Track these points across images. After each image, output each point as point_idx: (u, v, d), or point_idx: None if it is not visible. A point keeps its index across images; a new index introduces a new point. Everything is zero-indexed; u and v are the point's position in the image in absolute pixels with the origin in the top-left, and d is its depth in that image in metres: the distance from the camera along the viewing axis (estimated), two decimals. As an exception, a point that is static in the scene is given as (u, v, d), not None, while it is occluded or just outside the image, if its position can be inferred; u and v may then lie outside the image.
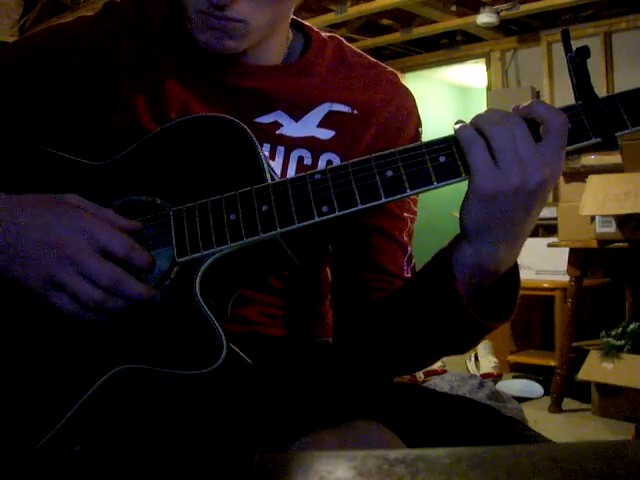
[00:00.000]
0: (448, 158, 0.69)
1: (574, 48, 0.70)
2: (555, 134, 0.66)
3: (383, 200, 0.69)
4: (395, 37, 5.01)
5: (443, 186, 0.69)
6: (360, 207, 0.69)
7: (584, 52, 0.69)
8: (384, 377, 0.89)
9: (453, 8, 4.55)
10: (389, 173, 0.69)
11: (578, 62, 0.69)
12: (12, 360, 0.74)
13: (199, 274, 0.72)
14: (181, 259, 0.72)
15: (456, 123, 0.70)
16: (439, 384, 2.78)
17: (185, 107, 0.85)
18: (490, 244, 0.70)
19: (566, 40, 0.71)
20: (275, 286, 0.90)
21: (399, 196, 0.70)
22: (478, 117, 0.68)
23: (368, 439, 0.68)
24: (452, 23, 4.67)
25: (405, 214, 0.90)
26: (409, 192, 0.69)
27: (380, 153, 0.71)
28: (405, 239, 0.91)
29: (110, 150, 0.81)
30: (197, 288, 0.71)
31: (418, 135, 0.93)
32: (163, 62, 0.87)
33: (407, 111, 0.93)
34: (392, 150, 0.71)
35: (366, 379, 0.88)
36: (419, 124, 0.94)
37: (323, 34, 0.95)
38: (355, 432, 0.69)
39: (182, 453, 0.64)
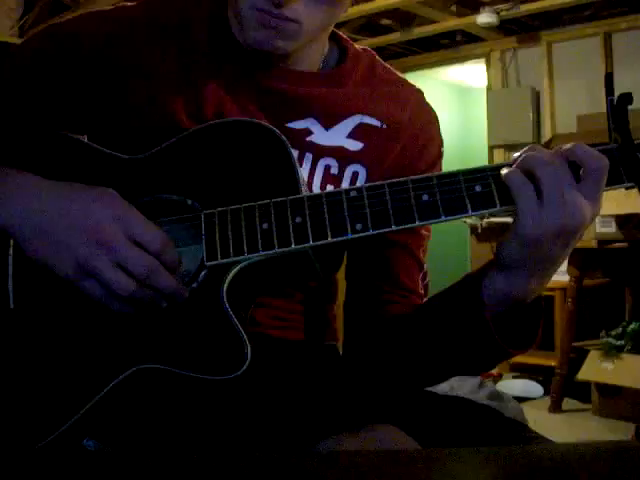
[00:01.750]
0: (485, 188, 0.70)
1: (616, 92, 0.71)
2: (596, 177, 0.68)
3: (417, 223, 0.70)
4: (395, 37, 5.01)
5: (477, 215, 0.70)
6: (394, 228, 0.70)
7: (627, 99, 0.70)
8: (393, 389, 0.89)
9: (453, 8, 4.55)
10: (425, 197, 0.70)
11: (619, 107, 0.70)
12: (31, 348, 0.74)
13: (227, 280, 0.72)
14: (210, 263, 0.72)
15: (502, 168, 0.70)
16: (439, 384, 2.78)
17: (220, 106, 0.85)
18: (523, 277, 0.71)
19: (609, 84, 0.72)
20: (287, 290, 0.90)
21: (433, 221, 0.70)
22: (526, 159, 0.68)
23: (385, 442, 0.69)
24: (452, 23, 4.66)
25: (423, 231, 0.92)
26: (443, 218, 0.70)
27: (417, 176, 0.71)
28: (422, 256, 0.92)
29: (141, 145, 0.80)
30: (224, 294, 0.71)
31: (440, 155, 0.95)
32: (201, 61, 0.87)
33: (432, 130, 0.95)
34: (430, 175, 0.71)
35: (374, 389, 0.88)
36: (441, 143, 0.96)
37: (358, 47, 0.95)
38: (373, 435, 0.70)
39: (190, 456, 0.65)
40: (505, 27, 4.74)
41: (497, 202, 0.69)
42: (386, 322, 0.88)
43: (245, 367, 0.68)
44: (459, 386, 2.76)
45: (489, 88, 5.06)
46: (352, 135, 0.89)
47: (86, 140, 0.83)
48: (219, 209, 0.74)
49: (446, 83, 6.53)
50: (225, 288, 0.71)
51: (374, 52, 0.97)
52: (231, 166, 0.77)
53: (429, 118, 0.95)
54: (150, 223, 0.72)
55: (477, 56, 5.23)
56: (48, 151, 0.83)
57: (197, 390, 0.73)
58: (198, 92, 0.85)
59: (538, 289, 0.74)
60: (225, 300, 0.71)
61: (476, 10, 4.40)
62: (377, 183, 0.72)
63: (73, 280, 0.71)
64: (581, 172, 0.68)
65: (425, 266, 0.92)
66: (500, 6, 4.28)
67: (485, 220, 4.31)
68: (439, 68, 5.70)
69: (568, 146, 0.69)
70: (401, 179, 0.72)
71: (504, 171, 0.68)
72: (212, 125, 0.79)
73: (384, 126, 0.90)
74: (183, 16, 0.89)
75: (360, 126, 0.89)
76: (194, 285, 0.73)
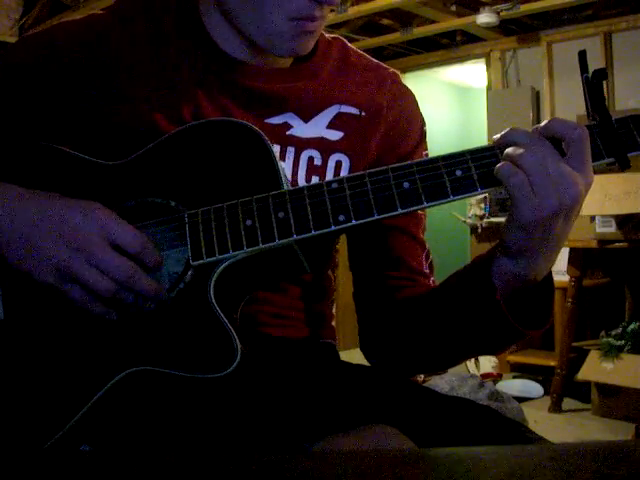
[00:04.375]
0: (465, 172, 0.70)
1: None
2: (577, 146, 0.68)
3: (399, 211, 0.70)
4: (395, 37, 5.00)
5: (459, 199, 0.70)
6: (376, 217, 0.70)
7: (601, 74, 0.70)
8: (410, 373, 0.92)
9: (453, 8, 4.54)
10: (406, 185, 0.70)
11: (595, 83, 0.70)
12: (25, 357, 0.74)
13: (214, 278, 0.72)
14: (196, 262, 0.72)
15: (481, 151, 0.71)
16: (439, 384, 2.78)
17: (198, 108, 0.85)
18: (531, 259, 0.72)
19: (583, 61, 0.72)
20: (280, 286, 0.90)
21: (415, 207, 0.70)
22: (507, 151, 0.68)
23: (382, 442, 0.69)
24: (452, 23, 4.66)
25: (420, 211, 0.92)
26: (425, 204, 0.70)
27: (397, 164, 0.72)
28: (422, 236, 0.93)
29: (121, 151, 0.80)
30: (212, 292, 0.71)
31: (423, 134, 0.95)
32: (176, 63, 0.87)
33: (411, 111, 0.95)
34: (410, 162, 0.72)
35: (390, 375, 0.89)
36: (423, 123, 0.96)
37: (327, 35, 0.95)
38: (370, 435, 0.70)
39: (191, 455, 0.65)
40: (505, 27, 4.74)
41: (478, 186, 0.70)
42: (395, 307, 0.89)
43: (236, 364, 0.68)
44: (459, 386, 2.76)
45: (489, 88, 5.05)
46: (332, 125, 0.89)
47: (67, 149, 0.83)
48: (202, 209, 0.74)
49: (446, 83, 6.53)
50: (212, 286, 0.71)
51: (344, 39, 0.97)
52: (212, 166, 0.77)
53: (408, 99, 0.95)
54: (128, 226, 0.72)
55: (477, 56, 5.23)
56: (30, 161, 0.83)
57: (192, 390, 0.73)
58: (175, 95, 0.85)
59: (547, 266, 0.74)
60: (212, 298, 0.71)
61: (476, 10, 4.40)
62: (358, 173, 0.73)
63: (55, 286, 0.71)
64: (563, 145, 0.68)
65: (427, 245, 0.93)
66: (500, 6, 4.28)
67: (485, 220, 4.31)
68: (439, 68, 5.70)
69: (544, 123, 0.70)
70: (381, 168, 0.72)
71: (497, 166, 0.68)
72: (191, 127, 0.79)
73: (363, 113, 0.90)
74: (153, 21, 0.89)
75: (339, 116, 0.90)
76: (181, 286, 0.73)
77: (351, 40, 4.67)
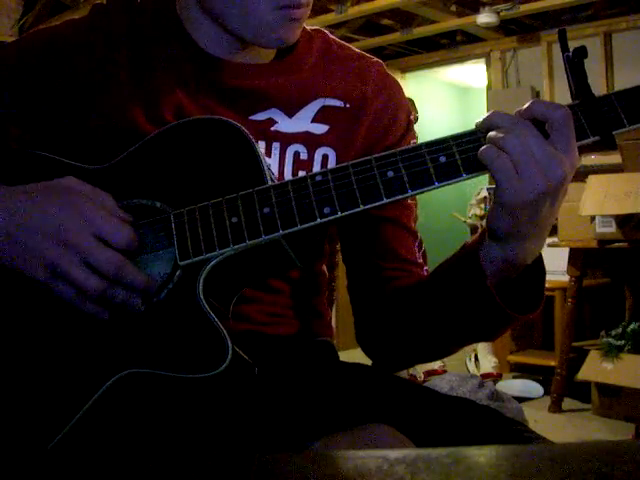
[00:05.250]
0: (449, 158, 0.69)
1: (571, 48, 0.70)
2: (561, 127, 0.67)
3: (385, 201, 0.70)
4: (395, 37, 5.01)
5: (444, 186, 0.70)
6: (362, 208, 0.70)
7: (581, 52, 0.70)
8: (407, 364, 0.91)
9: (453, 8, 4.55)
10: (390, 174, 0.70)
11: (576, 62, 0.70)
12: (18, 361, 0.74)
13: (202, 277, 0.72)
14: (183, 262, 0.72)
15: (464, 136, 0.70)
16: (439, 384, 2.78)
17: (179, 107, 0.85)
18: (519, 243, 0.71)
19: (563, 40, 0.72)
20: (274, 284, 0.90)
21: (400, 197, 0.70)
22: (490, 134, 0.68)
23: (380, 441, 0.69)
24: (452, 23, 4.67)
25: (410, 201, 0.92)
26: (410, 192, 0.69)
27: (381, 154, 0.71)
28: (413, 225, 0.93)
29: (105, 154, 0.80)
30: (200, 291, 0.71)
31: (410, 122, 0.94)
32: (156, 64, 0.87)
33: (397, 100, 0.94)
34: (393, 151, 0.71)
35: (388, 367, 0.89)
36: (410, 112, 0.95)
37: (308, 28, 0.95)
38: (367, 435, 0.70)
39: (187, 456, 0.65)
40: (505, 27, 4.75)
41: (462, 171, 0.69)
42: (389, 298, 0.89)
43: (227, 362, 0.68)
44: (459, 386, 2.76)
45: (489, 88, 5.06)
46: (316, 119, 0.89)
47: (50, 155, 0.83)
48: (187, 208, 0.74)
49: (446, 83, 6.53)
50: (201, 285, 0.71)
51: (325, 30, 0.97)
52: (196, 165, 0.77)
53: (394, 88, 0.95)
54: (113, 218, 0.72)
55: (477, 56, 5.23)
56: (12, 168, 0.83)
57: (187, 390, 0.73)
58: (155, 96, 0.85)
59: (536, 249, 0.74)
60: (202, 297, 0.71)
61: (476, 10, 4.40)
62: (341, 165, 0.72)
63: (45, 283, 0.71)
64: (546, 127, 0.68)
65: (419, 234, 0.93)
66: (500, 6, 4.28)
67: (485, 220, 4.31)
68: (439, 68, 5.71)
69: (526, 105, 0.69)
70: (365, 158, 0.71)
71: (481, 149, 0.68)
72: (172, 127, 0.79)
73: (347, 105, 0.90)
74: (131, 21, 0.89)
75: (323, 109, 0.89)
76: (170, 286, 0.73)
77: (351, 40, 4.66)
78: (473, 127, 0.71)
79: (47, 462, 0.67)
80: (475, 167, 0.69)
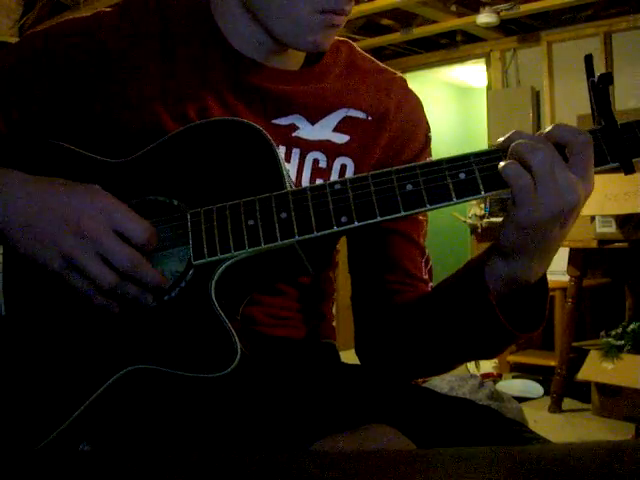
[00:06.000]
0: (469, 175, 0.69)
1: (596, 73, 0.71)
2: (581, 153, 0.67)
3: (402, 214, 0.70)
4: (395, 37, 5.00)
5: (462, 202, 0.70)
6: (379, 219, 0.70)
7: (607, 78, 0.70)
8: (407, 377, 0.91)
9: (453, 8, 4.54)
10: (409, 187, 0.70)
11: (601, 88, 0.70)
12: (25, 354, 0.74)
13: (215, 278, 0.72)
14: (197, 262, 0.72)
15: (486, 155, 0.70)
16: (439, 384, 2.78)
17: (204, 107, 0.85)
18: (525, 261, 0.71)
19: (589, 65, 0.71)
20: (280, 287, 0.90)
21: (418, 210, 0.70)
22: (516, 147, 0.67)
23: (382, 442, 0.69)
24: (452, 23, 4.66)
25: (421, 217, 0.92)
26: (428, 207, 0.70)
27: (401, 166, 0.71)
28: (422, 241, 0.93)
29: (127, 148, 0.80)
30: (213, 292, 0.71)
31: (428, 140, 0.95)
32: (185, 59, 0.87)
33: (417, 117, 0.95)
34: (413, 164, 0.71)
35: (388, 379, 0.89)
36: (428, 129, 0.96)
37: (335, 38, 0.95)
38: (368, 435, 0.70)
39: (189, 455, 0.65)
40: (505, 27, 4.74)
41: (481, 189, 0.69)
42: (393, 311, 0.89)
43: (235, 364, 0.68)
44: (459, 386, 2.76)
45: (489, 88, 5.05)
46: (338, 128, 0.89)
47: (73, 147, 0.83)
48: (204, 208, 0.74)
49: (446, 83, 6.53)
50: (213, 286, 0.71)
51: (351, 42, 0.97)
52: (216, 165, 0.77)
53: (414, 104, 0.96)
54: (134, 214, 0.72)
55: (477, 56, 5.23)
56: (34, 158, 0.83)
57: (192, 389, 0.73)
58: (181, 94, 0.85)
59: (541, 269, 0.74)
60: (213, 298, 0.71)
61: (476, 10, 4.40)
62: (361, 175, 0.72)
63: (60, 273, 0.71)
64: (566, 151, 0.68)
65: (427, 251, 0.93)
66: (500, 6, 4.28)
67: (485, 220, 4.31)
68: (439, 68, 5.70)
69: (548, 129, 0.69)
70: (385, 170, 0.72)
71: (501, 164, 0.68)
72: (195, 125, 0.79)
73: (369, 117, 0.91)
74: (162, 18, 0.89)
75: (346, 119, 0.90)
76: (182, 285, 0.73)
77: (351, 40, 4.65)
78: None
79: (47, 458, 0.67)
80: (495, 185, 0.69)
